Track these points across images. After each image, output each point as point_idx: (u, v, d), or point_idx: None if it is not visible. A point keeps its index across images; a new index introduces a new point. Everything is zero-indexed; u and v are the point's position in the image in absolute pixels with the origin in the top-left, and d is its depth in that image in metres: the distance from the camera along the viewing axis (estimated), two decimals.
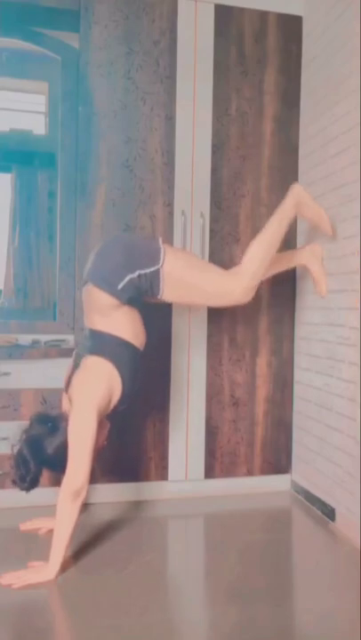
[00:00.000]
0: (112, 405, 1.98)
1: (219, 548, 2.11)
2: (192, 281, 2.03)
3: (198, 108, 2.55)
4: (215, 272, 2.08)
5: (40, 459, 1.93)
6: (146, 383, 2.24)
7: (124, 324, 2.00)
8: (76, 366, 2.02)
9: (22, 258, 2.72)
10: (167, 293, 2.02)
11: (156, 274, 1.97)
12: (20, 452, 1.94)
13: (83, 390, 1.92)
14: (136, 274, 1.95)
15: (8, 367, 2.35)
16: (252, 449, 2.65)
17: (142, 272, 1.95)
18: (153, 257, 1.97)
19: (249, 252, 2.09)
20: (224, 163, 2.59)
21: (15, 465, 1.95)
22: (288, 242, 2.66)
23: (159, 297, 2.04)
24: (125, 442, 2.47)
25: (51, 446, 1.93)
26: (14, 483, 1.96)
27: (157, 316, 2.35)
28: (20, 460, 1.93)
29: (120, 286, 1.94)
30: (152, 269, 1.96)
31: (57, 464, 1.90)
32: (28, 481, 1.93)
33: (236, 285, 2.04)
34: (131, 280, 1.95)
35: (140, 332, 2.05)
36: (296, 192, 2.20)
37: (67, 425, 1.91)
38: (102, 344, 1.98)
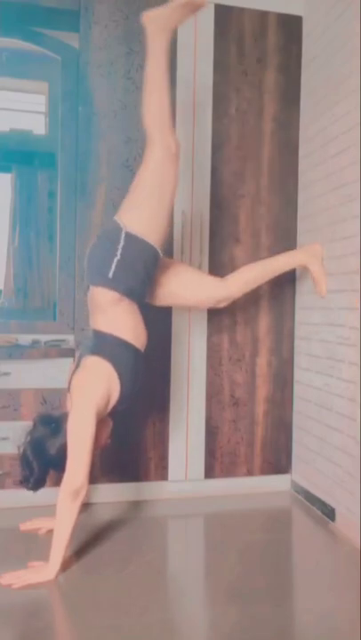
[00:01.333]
0: (110, 406, 1.98)
1: (219, 548, 2.11)
2: (152, 200, 1.99)
3: (198, 107, 2.55)
4: (147, 167, 2.02)
5: (44, 459, 1.95)
6: (146, 383, 2.24)
7: (125, 324, 2.00)
8: (77, 366, 2.03)
9: (22, 258, 2.72)
10: (153, 235, 1.98)
11: (131, 237, 1.95)
12: (23, 454, 1.96)
13: (81, 390, 1.93)
14: (118, 254, 1.94)
15: (8, 367, 2.35)
16: (252, 449, 2.65)
17: (120, 247, 1.94)
18: (116, 229, 1.98)
19: (145, 120, 2.01)
20: (224, 163, 2.59)
21: (20, 466, 1.98)
22: (288, 242, 2.67)
23: (158, 249, 2.00)
24: (125, 442, 2.47)
25: (54, 447, 1.94)
26: (21, 482, 1.99)
27: (157, 316, 2.35)
28: (24, 461, 1.96)
29: (111, 274, 1.94)
30: (123, 237, 1.95)
31: (61, 464, 1.91)
32: (32, 481, 1.96)
33: (159, 148, 1.99)
34: (118, 263, 1.94)
35: (141, 332, 2.05)
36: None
37: (66, 425, 1.92)
38: (102, 344, 1.99)
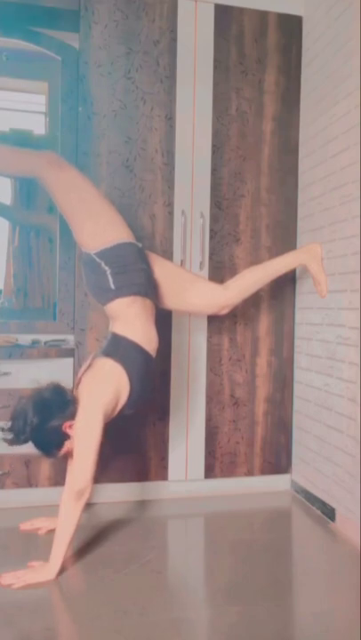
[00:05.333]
0: (118, 408, 1.98)
1: (219, 548, 2.11)
2: (80, 213, 2.04)
3: (198, 108, 2.55)
4: (53, 192, 2.07)
5: (30, 422, 1.84)
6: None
7: (137, 327, 2.02)
8: (89, 366, 2.03)
9: (22, 258, 2.72)
10: (112, 234, 2.02)
11: (100, 252, 2.00)
12: (17, 404, 1.89)
13: (91, 391, 1.93)
14: (106, 268, 1.99)
15: (8, 367, 2.35)
16: (252, 449, 2.65)
17: (102, 264, 2.00)
18: (87, 258, 2.05)
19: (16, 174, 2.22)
20: (224, 163, 2.59)
21: (11, 415, 1.89)
22: (288, 242, 2.67)
23: (130, 240, 2.04)
24: (126, 442, 2.47)
25: (49, 417, 1.85)
26: (2, 430, 1.90)
27: (158, 317, 2.35)
28: (14, 412, 1.88)
29: (112, 285, 2.00)
30: (96, 258, 2.00)
31: (42, 440, 1.85)
32: (11, 437, 1.86)
33: (43, 171, 2.02)
34: (112, 273, 1.99)
35: (152, 337, 2.06)
36: None
37: (71, 410, 1.88)
38: (115, 346, 2.01)
